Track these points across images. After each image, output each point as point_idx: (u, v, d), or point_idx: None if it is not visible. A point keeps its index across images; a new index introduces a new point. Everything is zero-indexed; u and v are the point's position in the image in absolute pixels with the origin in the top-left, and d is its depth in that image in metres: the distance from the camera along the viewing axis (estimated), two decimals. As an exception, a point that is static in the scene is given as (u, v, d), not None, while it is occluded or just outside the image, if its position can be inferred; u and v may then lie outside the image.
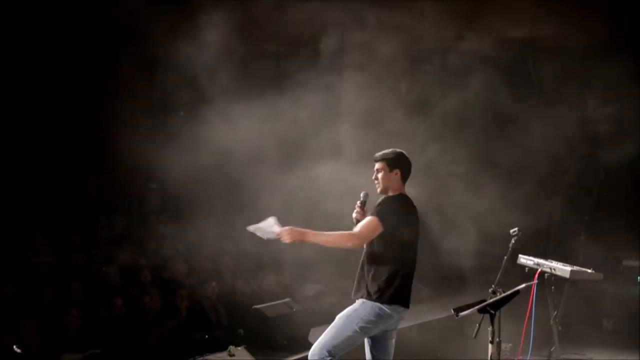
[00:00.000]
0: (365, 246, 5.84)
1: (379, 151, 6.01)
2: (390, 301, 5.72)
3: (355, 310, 5.75)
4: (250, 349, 8.03)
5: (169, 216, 11.75)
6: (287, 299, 9.20)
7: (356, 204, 6.00)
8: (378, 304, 5.71)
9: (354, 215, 6.01)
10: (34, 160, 11.18)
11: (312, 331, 8.85)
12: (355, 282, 5.88)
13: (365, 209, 5.99)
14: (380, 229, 5.69)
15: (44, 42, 10.80)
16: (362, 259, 5.90)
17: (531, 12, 11.89)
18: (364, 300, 5.75)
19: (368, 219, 5.75)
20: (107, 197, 11.92)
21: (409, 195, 5.94)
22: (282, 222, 5.72)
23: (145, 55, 11.26)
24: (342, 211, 6.57)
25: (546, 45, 12.08)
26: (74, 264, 9.67)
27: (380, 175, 5.90)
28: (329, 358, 5.64)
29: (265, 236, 5.74)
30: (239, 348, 7.90)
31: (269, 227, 5.67)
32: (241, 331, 9.10)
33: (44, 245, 9.86)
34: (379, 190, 5.92)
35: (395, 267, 5.74)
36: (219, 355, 7.75)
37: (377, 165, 5.93)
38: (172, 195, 11.99)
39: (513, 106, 11.06)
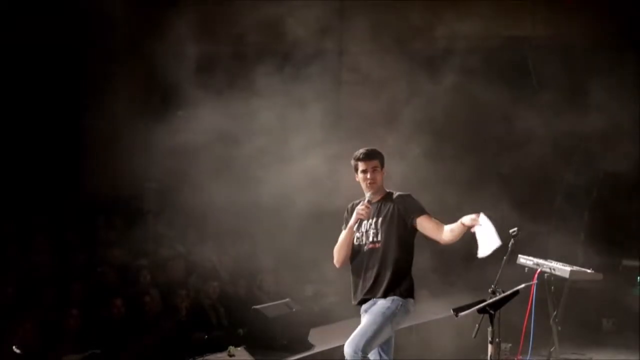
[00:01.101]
0: (382, 243, 5.79)
1: (355, 150, 5.94)
2: (413, 296, 5.86)
3: (388, 308, 5.75)
4: (250, 349, 8.03)
5: (168, 216, 11.73)
6: (286, 299, 9.19)
7: (365, 203, 5.85)
8: (407, 301, 5.80)
9: (360, 211, 5.83)
10: (33, 161, 11.18)
11: (312, 331, 8.86)
12: (375, 280, 5.80)
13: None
14: None
15: (42, 41, 10.79)
16: (375, 258, 5.81)
17: (531, 10, 11.89)
18: (395, 297, 5.77)
19: (428, 216, 5.77)
20: (106, 197, 11.91)
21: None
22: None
23: (142, 55, 11.24)
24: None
25: (546, 43, 12.06)
26: (73, 264, 9.68)
27: (377, 174, 5.88)
28: (367, 356, 5.69)
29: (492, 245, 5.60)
30: (239, 348, 7.90)
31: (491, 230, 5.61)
32: (241, 331, 9.10)
33: (44, 245, 9.86)
34: (372, 189, 5.86)
35: (412, 263, 5.89)
36: (219, 355, 7.75)
37: (373, 164, 5.88)
38: (169, 194, 11.98)
39: (512, 105, 11.04)
